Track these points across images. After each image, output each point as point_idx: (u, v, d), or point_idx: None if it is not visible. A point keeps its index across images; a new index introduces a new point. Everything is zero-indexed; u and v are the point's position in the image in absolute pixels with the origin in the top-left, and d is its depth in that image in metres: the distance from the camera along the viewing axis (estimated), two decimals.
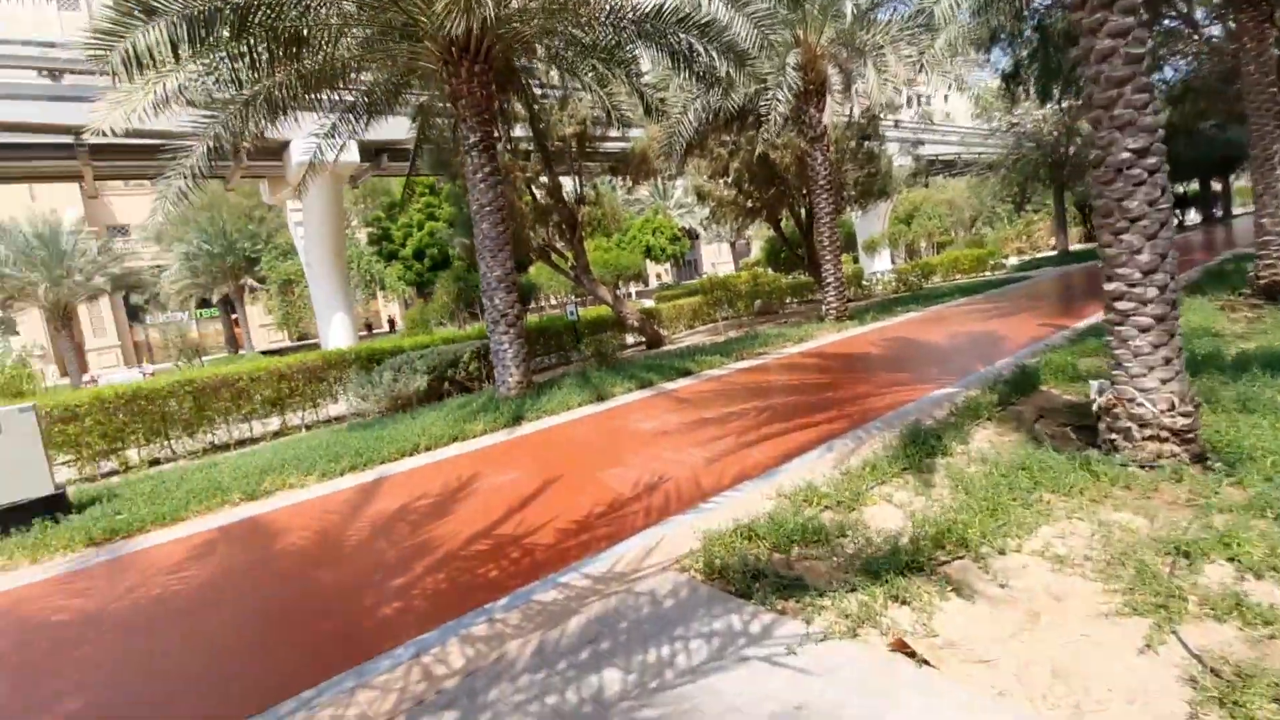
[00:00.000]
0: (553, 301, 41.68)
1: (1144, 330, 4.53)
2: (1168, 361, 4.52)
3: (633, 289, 50.10)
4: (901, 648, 2.76)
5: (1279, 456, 4.10)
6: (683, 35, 10.36)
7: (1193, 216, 51.40)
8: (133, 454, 10.15)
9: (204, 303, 44.97)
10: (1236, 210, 53.89)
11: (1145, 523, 3.65)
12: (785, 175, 17.94)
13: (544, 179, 15.16)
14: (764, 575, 3.50)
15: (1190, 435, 4.41)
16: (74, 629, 4.24)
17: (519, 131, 14.45)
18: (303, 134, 11.93)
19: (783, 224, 22.07)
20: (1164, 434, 4.43)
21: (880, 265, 34.25)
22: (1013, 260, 36.20)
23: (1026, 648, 2.73)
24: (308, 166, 12.59)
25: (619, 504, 5.15)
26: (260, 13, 7.43)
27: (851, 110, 18.30)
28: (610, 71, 11.54)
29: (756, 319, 21.30)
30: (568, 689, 2.80)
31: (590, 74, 11.86)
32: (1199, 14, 17.75)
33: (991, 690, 2.50)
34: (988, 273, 28.83)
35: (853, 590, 3.23)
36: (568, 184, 15.88)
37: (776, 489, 4.79)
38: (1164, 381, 4.50)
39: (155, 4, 6.51)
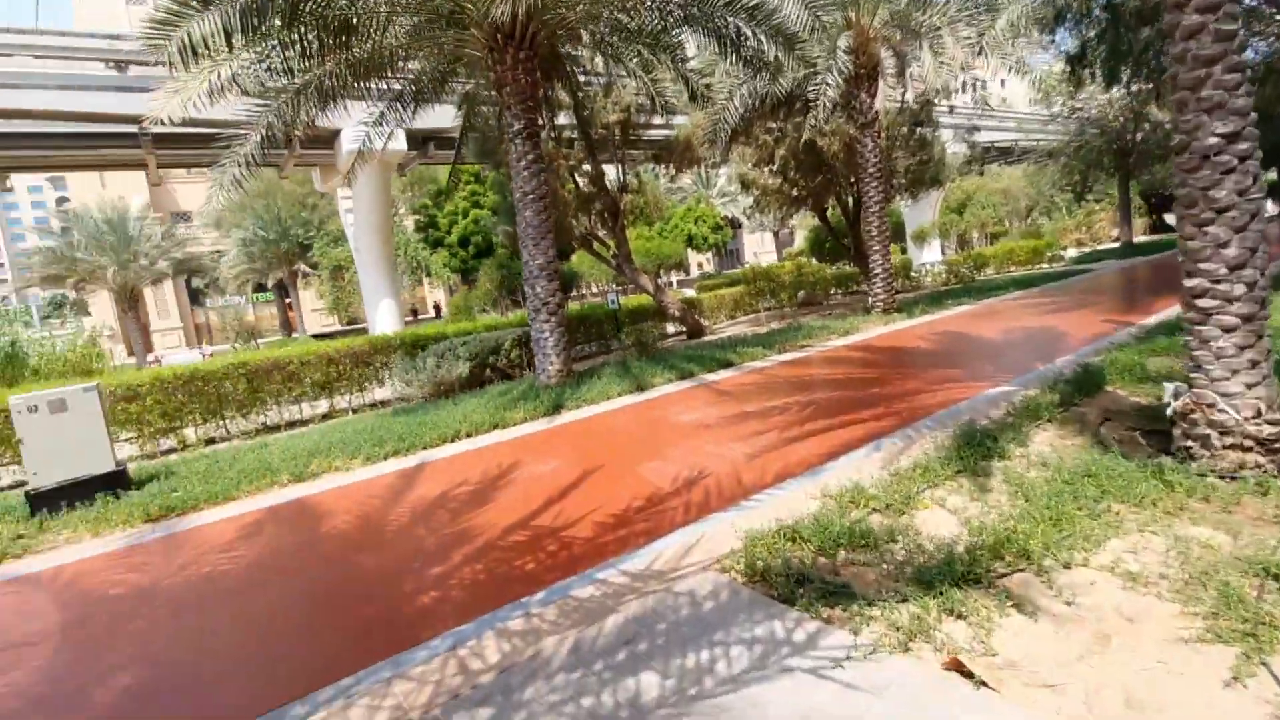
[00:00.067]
0: (594, 290, 41.78)
1: (1228, 330, 4.20)
2: (1254, 365, 4.18)
3: (674, 278, 49.82)
4: (957, 666, 2.60)
5: None
6: (730, 18, 10.09)
7: (1270, 208, 48.26)
8: (190, 433, 10.54)
9: (260, 287, 46.61)
10: None
11: (1227, 539, 3.38)
12: (833, 163, 17.43)
13: (587, 167, 15.09)
14: (808, 580, 3.37)
15: (1278, 445, 4.08)
16: (129, 603, 4.38)
17: (563, 119, 14.39)
18: (352, 123, 12.12)
19: (828, 213, 21.53)
20: (1248, 443, 4.11)
21: (930, 256, 33.21)
22: (1072, 252, 34.63)
23: (1096, 673, 2.54)
24: (356, 154, 12.77)
25: (658, 498, 5.07)
26: (311, 1, 7.51)
27: (904, 95, 17.63)
28: (655, 57, 11.34)
29: (800, 310, 20.88)
30: (604, 691, 2.73)
31: (635, 60, 11.68)
32: None
33: (1058, 718, 2.32)
34: (1045, 265, 27.66)
35: (904, 601, 3.07)
36: (610, 172, 15.77)
37: (821, 488, 4.63)
38: (1249, 386, 4.17)
39: None
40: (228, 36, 6.69)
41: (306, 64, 8.41)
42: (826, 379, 9.26)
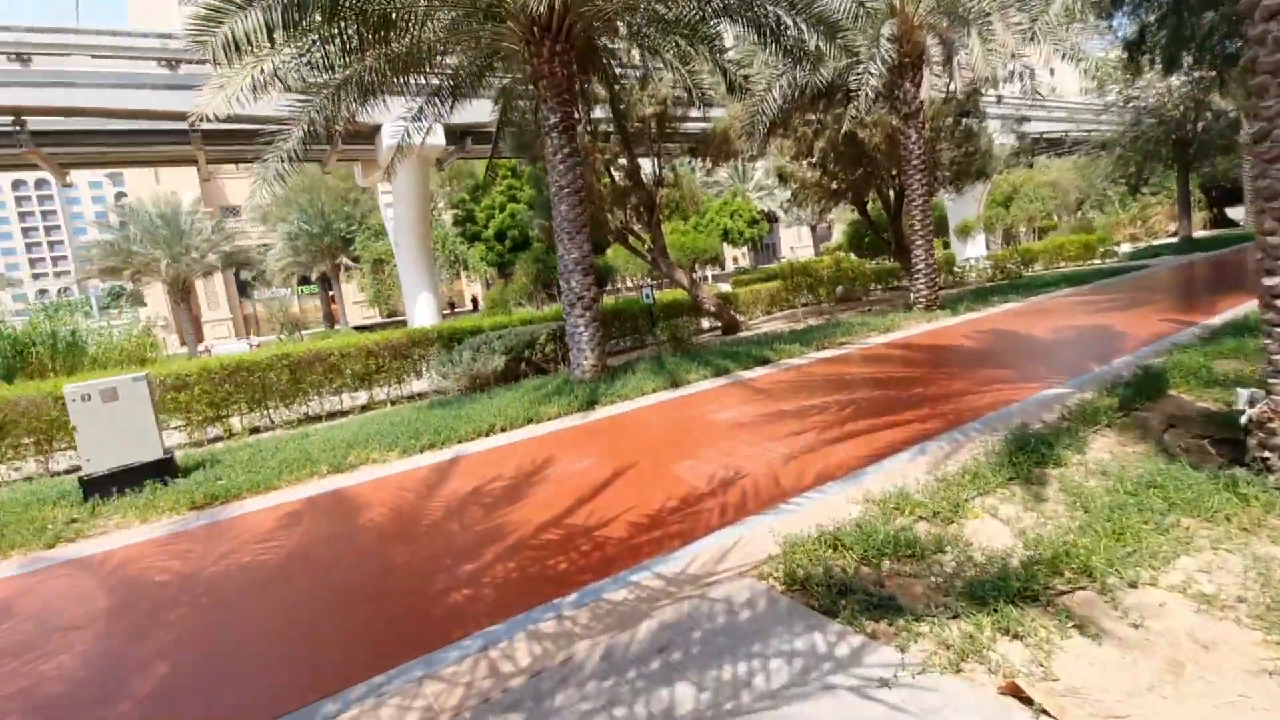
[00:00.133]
0: (629, 284, 41.73)
1: None
2: None
3: (709, 272, 49.50)
4: (1014, 692, 2.43)
5: None
6: (770, 7, 9.87)
7: None
8: (235, 421, 10.82)
9: (304, 280, 47.88)
10: None
11: None
12: (874, 155, 17.00)
13: (623, 161, 14.98)
14: (851, 591, 3.22)
15: None
16: (171, 590, 4.46)
17: (598, 113, 14.31)
18: (392, 118, 12.24)
19: (869, 206, 21.04)
20: None
21: (974, 251, 32.23)
22: (1125, 247, 33.20)
23: (1169, 705, 2.35)
24: (396, 149, 12.91)
25: (693, 499, 4.96)
26: None
27: (950, 85, 17.06)
28: (693, 48, 11.16)
29: (838, 306, 20.47)
30: (636, 701, 2.64)
31: (672, 51, 11.52)
32: None
33: None
34: (1097, 260, 26.55)
35: (955, 617, 2.91)
36: (646, 166, 15.64)
37: (864, 493, 4.46)
38: None
39: None
40: (269, 32, 6.78)
41: (346, 59, 8.49)
42: (867, 378, 9.01)
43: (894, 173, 17.85)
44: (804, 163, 18.02)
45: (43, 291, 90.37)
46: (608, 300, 16.87)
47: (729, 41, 12.45)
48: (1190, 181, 31.60)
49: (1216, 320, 9.87)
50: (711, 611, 3.24)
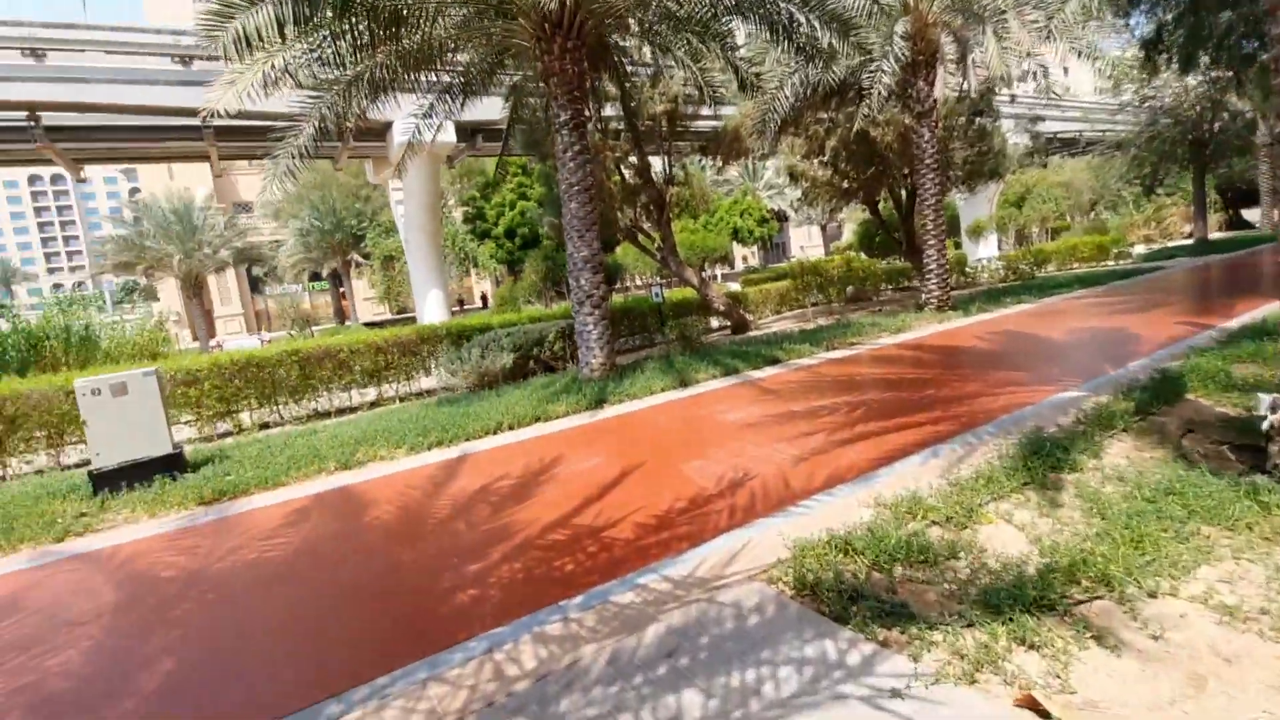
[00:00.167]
0: (638, 282, 41.68)
1: None
2: None
3: (718, 271, 49.37)
4: (1031, 704, 2.37)
5: None
6: (783, 4, 9.78)
7: None
8: (245, 417, 10.87)
9: (315, 276, 48.13)
10: None
11: None
12: (886, 154, 16.86)
13: (633, 159, 14.94)
14: (862, 597, 3.16)
15: None
16: (177, 587, 4.46)
17: (609, 111, 14.26)
18: (403, 115, 12.25)
19: (880, 206, 20.89)
20: None
21: (986, 251, 31.95)
22: (1140, 249, 32.81)
23: None
24: (406, 146, 12.91)
25: (701, 500, 4.91)
26: None
27: (963, 84, 16.89)
28: (704, 45, 11.09)
29: (848, 306, 20.34)
30: (643, 708, 2.59)
31: (683, 49, 11.45)
32: None
33: None
34: (1111, 262, 26.26)
35: (969, 626, 2.84)
36: (656, 164, 15.57)
37: (874, 496, 4.40)
38: None
39: None
40: (280, 27, 6.77)
41: (357, 56, 8.48)
42: (878, 379, 8.92)
43: (906, 172, 17.70)
44: (815, 161, 17.91)
45: (57, 286, 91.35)
46: (617, 299, 16.82)
47: (740, 39, 12.36)
48: (1206, 183, 31.19)
49: (1234, 323, 9.71)
50: (720, 616, 3.20)
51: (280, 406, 11.20)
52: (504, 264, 37.02)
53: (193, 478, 7.07)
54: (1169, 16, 18.52)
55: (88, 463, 7.37)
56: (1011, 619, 2.84)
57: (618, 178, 15.17)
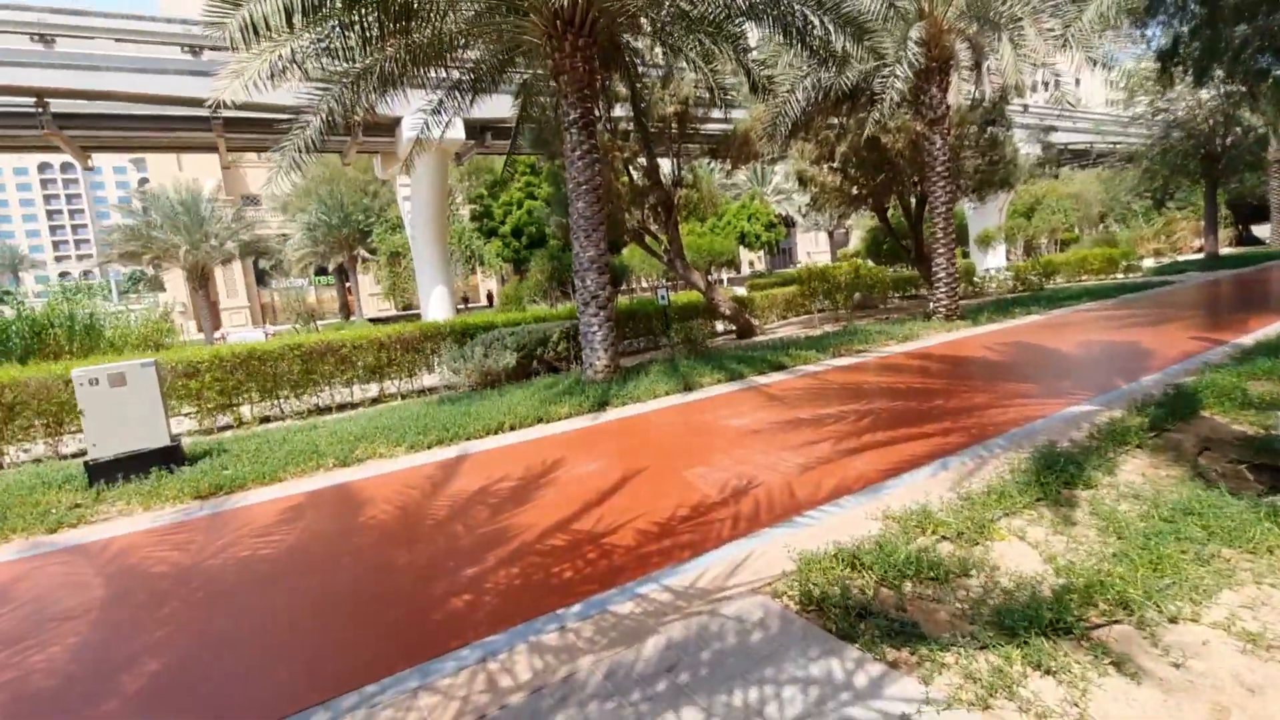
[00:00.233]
0: (644, 284, 41.55)
1: None
2: None
3: (724, 275, 49.23)
4: None
5: None
6: (798, 6, 9.68)
7: None
8: (246, 410, 10.79)
9: (321, 270, 48.10)
10: None
11: None
12: (896, 161, 16.74)
13: (642, 160, 14.84)
14: (871, 614, 3.05)
15: None
16: (167, 583, 4.37)
17: (619, 111, 14.18)
18: (412, 110, 12.18)
19: (889, 213, 20.75)
20: None
21: (994, 262, 31.79)
22: (1149, 262, 32.60)
23: None
24: (414, 142, 12.85)
25: (704, 508, 4.80)
26: None
27: (977, 91, 16.76)
28: (716, 47, 10.99)
29: (855, 313, 20.20)
30: None
31: (695, 50, 11.35)
32: None
33: None
34: (1120, 275, 26.05)
35: (982, 648, 2.73)
36: (665, 166, 15.48)
37: (883, 509, 4.28)
38: None
39: None
40: (288, 16, 6.70)
41: (366, 49, 8.40)
42: (886, 387, 8.79)
43: (916, 179, 17.57)
44: (825, 166, 17.80)
45: (64, 274, 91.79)
46: (622, 300, 16.73)
47: (753, 41, 12.27)
48: (1217, 197, 30.99)
49: (1248, 339, 9.57)
50: (722, 630, 3.09)
51: (281, 401, 11.12)
52: (510, 263, 36.97)
53: (190, 471, 6.99)
54: (1185, 28, 18.37)
55: (85, 453, 7.29)
56: (1026, 642, 2.73)
57: (626, 178, 15.08)
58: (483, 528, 4.83)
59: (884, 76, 13.03)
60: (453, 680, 2.90)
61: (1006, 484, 4.47)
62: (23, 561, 5.05)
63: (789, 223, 52.07)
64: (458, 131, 20.05)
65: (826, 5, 9.65)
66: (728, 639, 3.01)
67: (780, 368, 10.65)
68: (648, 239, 16.20)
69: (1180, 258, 35.27)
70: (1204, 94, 26.04)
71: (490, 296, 48.71)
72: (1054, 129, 31.85)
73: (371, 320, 35.16)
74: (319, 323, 37.91)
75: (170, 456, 7.18)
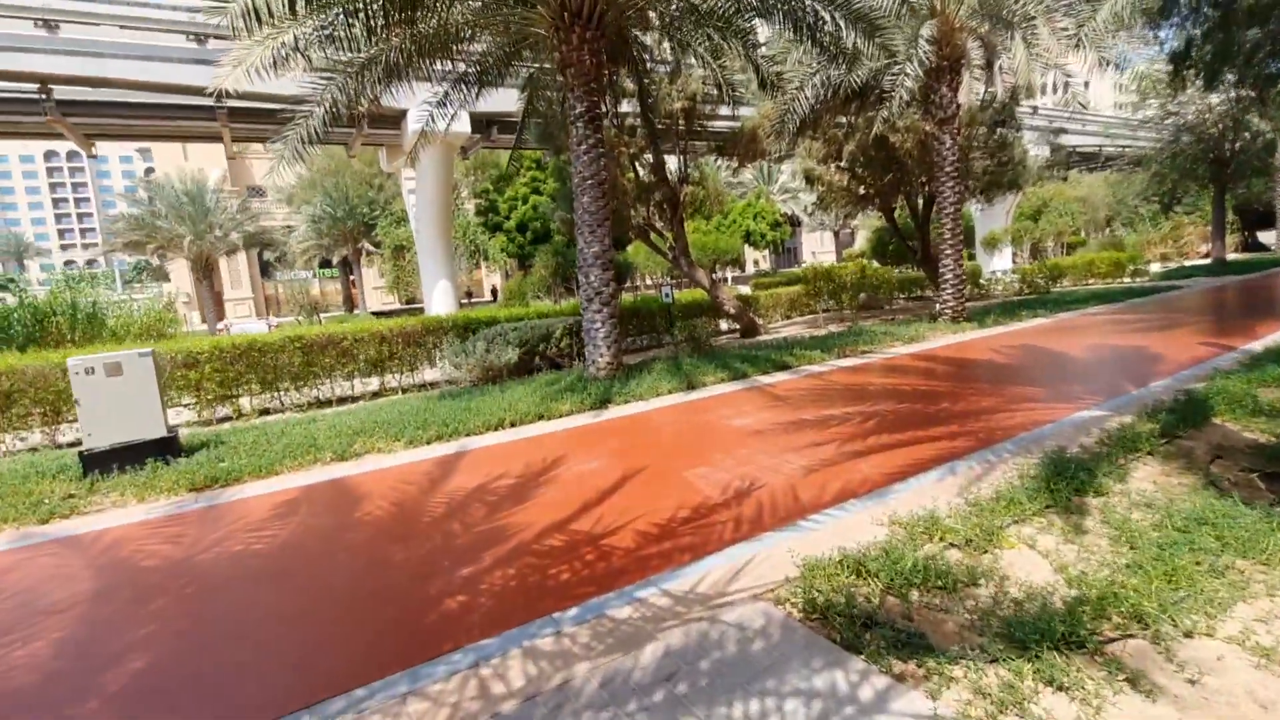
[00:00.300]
0: (649, 282, 41.46)
1: None
2: None
3: (729, 274, 49.10)
4: None
5: None
6: (809, 2, 9.56)
7: None
8: (245, 402, 10.72)
9: (325, 263, 48.09)
10: None
11: None
12: (904, 160, 16.59)
13: (648, 156, 14.72)
14: (876, 624, 2.96)
15: None
16: (157, 578, 4.30)
17: (625, 107, 14.06)
18: (417, 103, 12.08)
19: (895, 213, 20.61)
20: None
21: (1000, 264, 31.59)
22: (1156, 267, 32.41)
23: None
24: (419, 134, 12.76)
25: (705, 509, 4.70)
26: None
27: (987, 91, 16.61)
28: (725, 42, 10.86)
29: (860, 314, 20.07)
30: None
31: (703, 45, 11.23)
32: None
33: None
34: (1127, 279, 25.89)
35: (992, 662, 2.64)
36: (671, 163, 15.36)
37: (889, 514, 4.19)
38: None
39: None
40: (290, 2, 6.60)
41: (371, 38, 8.30)
42: (891, 389, 8.68)
43: (924, 180, 17.43)
44: (832, 165, 17.66)
45: (69, 263, 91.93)
46: (626, 297, 16.60)
47: (762, 37, 12.14)
48: (1225, 203, 30.76)
49: (1258, 345, 9.46)
50: (722, 638, 3.00)
51: (282, 393, 11.05)
52: (514, 258, 36.91)
53: (186, 462, 6.92)
54: (1198, 31, 18.18)
55: (81, 442, 7.23)
56: (1038, 656, 2.64)
57: (632, 174, 14.97)
58: (480, 526, 4.74)
59: (894, 74, 12.90)
60: (444, 685, 2.81)
61: (1016, 490, 4.37)
62: (12, 552, 4.98)
63: (794, 222, 51.92)
64: (463, 125, 19.97)
65: (838, 1, 9.53)
66: (728, 647, 2.92)
67: (784, 368, 10.55)
68: (653, 236, 16.09)
69: (1187, 263, 35.06)
70: (1214, 98, 25.83)
71: (495, 291, 48.61)
72: (1064, 131, 31.58)
73: (375, 314, 35.12)
74: (322, 315, 37.87)
75: (166, 448, 7.11)
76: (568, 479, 5.74)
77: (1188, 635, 2.82)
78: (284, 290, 52.06)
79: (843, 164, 17.51)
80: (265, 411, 10.77)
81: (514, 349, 11.29)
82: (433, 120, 12.09)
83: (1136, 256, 29.12)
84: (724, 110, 14.35)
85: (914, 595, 3.21)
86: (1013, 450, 5.43)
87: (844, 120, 16.56)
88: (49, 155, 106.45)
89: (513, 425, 8.05)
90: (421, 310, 26.48)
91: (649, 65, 13.17)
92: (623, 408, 8.65)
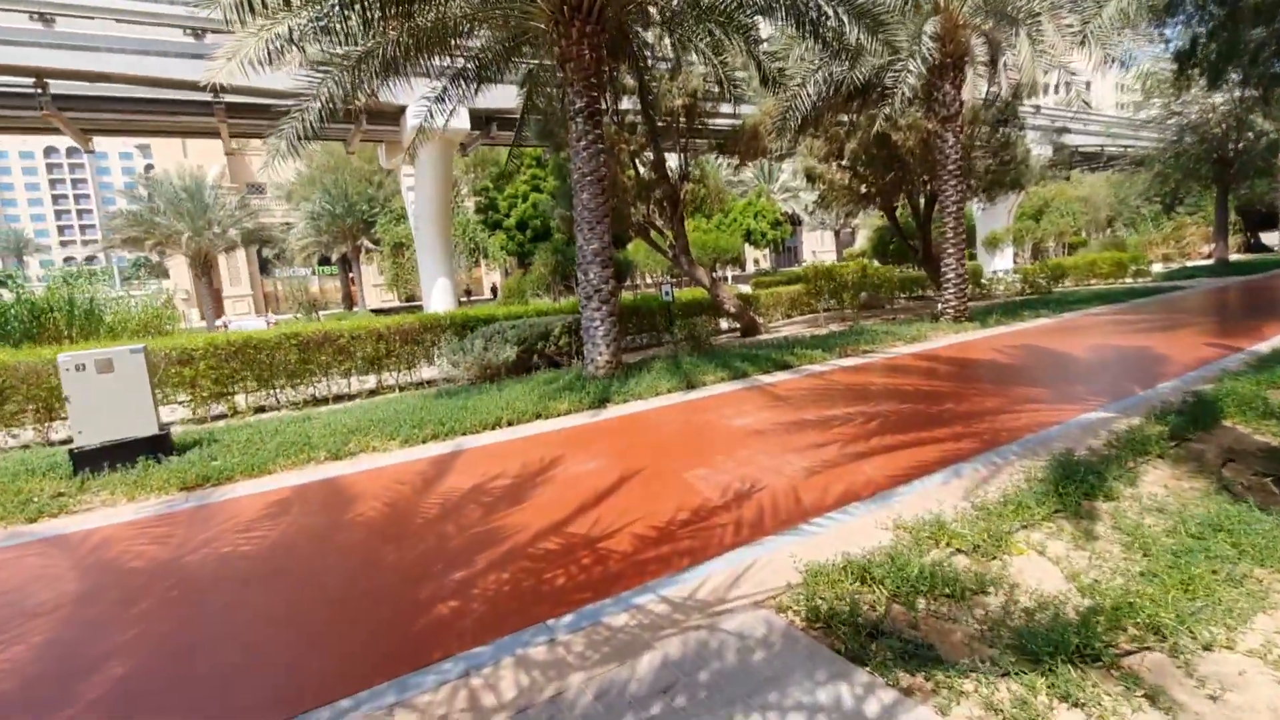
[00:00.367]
0: (649, 280, 41.34)
1: None
2: None
3: (729, 273, 48.99)
4: None
5: None
6: None
7: None
8: (241, 400, 10.61)
9: (324, 260, 47.90)
10: None
11: None
12: (906, 159, 16.46)
13: (649, 153, 14.60)
14: (882, 634, 2.85)
15: None
16: (142, 579, 4.19)
17: (626, 104, 13.93)
18: (415, 99, 11.95)
19: (897, 212, 20.49)
20: None
21: (1001, 264, 31.46)
22: (1158, 267, 32.27)
23: None
24: (418, 130, 12.63)
25: (704, 512, 4.59)
26: None
27: (991, 89, 16.46)
28: (727, 38, 10.72)
29: (861, 313, 19.95)
30: None
31: (705, 41, 11.10)
32: None
33: None
34: (1129, 279, 25.77)
35: (1004, 675, 2.53)
36: (672, 160, 15.23)
37: (894, 518, 4.08)
38: None
39: None
40: None
41: (368, 30, 8.17)
42: (894, 389, 8.57)
43: (926, 178, 17.32)
44: (834, 164, 17.55)
45: (69, 259, 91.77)
46: (626, 296, 16.49)
47: (765, 32, 12.00)
48: (1228, 203, 30.63)
49: (1265, 347, 9.35)
50: (722, 647, 2.89)
51: (277, 390, 10.95)
52: (514, 256, 36.77)
53: (177, 461, 6.81)
54: (1204, 29, 18.05)
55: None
56: (1052, 670, 2.53)
57: (632, 172, 14.85)
58: (474, 528, 4.63)
59: (896, 71, 12.76)
60: (432, 697, 2.70)
61: (1023, 494, 4.26)
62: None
63: (795, 221, 51.77)
64: (462, 121, 19.83)
65: None
66: (728, 658, 2.81)
67: (785, 367, 10.43)
68: (653, 234, 15.97)
69: (1189, 263, 34.94)
70: (1218, 98, 25.71)
71: (494, 289, 48.48)
72: (1067, 130, 31.45)
73: (374, 311, 35.00)
74: (321, 313, 37.74)
75: (158, 446, 7.00)
76: (565, 479, 5.63)
77: (1207, 648, 2.71)
78: (283, 287, 51.90)
79: (844, 162, 17.39)
80: (261, 409, 10.66)
81: (512, 347, 11.18)
82: (431, 116, 11.97)
83: (1139, 257, 29.00)
84: (725, 107, 14.23)
85: (921, 604, 3.10)
86: (1019, 452, 5.32)
87: (846, 118, 16.43)
88: (49, 151, 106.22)
89: (510, 424, 7.94)
90: (421, 308, 26.35)
91: (650, 62, 13.03)
92: (621, 407, 8.54)
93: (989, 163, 17.62)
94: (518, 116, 13.95)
